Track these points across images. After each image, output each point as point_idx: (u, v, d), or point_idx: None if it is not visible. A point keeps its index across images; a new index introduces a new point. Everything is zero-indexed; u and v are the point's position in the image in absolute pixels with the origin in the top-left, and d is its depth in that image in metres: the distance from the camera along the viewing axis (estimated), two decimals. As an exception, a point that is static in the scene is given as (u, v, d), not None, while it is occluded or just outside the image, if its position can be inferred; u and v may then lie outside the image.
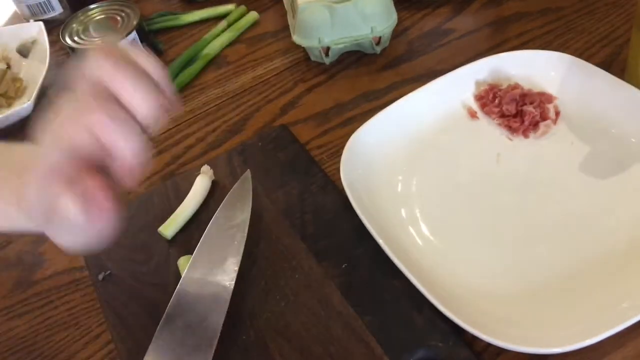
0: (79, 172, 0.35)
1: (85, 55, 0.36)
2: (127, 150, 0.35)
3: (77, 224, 0.36)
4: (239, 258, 0.49)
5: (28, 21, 0.81)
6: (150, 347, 0.44)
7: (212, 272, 0.48)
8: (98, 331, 0.50)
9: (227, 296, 0.47)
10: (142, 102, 0.36)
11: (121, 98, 0.35)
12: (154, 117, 0.37)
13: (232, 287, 0.47)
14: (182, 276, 0.48)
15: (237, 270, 0.48)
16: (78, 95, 0.36)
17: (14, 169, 0.40)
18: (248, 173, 0.55)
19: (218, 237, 0.51)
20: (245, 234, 0.50)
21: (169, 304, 0.47)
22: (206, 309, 0.46)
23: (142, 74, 0.36)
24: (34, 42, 0.75)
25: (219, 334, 0.45)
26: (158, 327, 0.45)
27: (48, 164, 0.36)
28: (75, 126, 0.35)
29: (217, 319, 0.46)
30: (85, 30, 0.72)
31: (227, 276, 0.48)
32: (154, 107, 0.36)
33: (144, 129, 0.36)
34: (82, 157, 0.35)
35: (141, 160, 0.36)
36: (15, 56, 0.75)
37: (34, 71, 0.71)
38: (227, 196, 0.54)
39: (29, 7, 0.82)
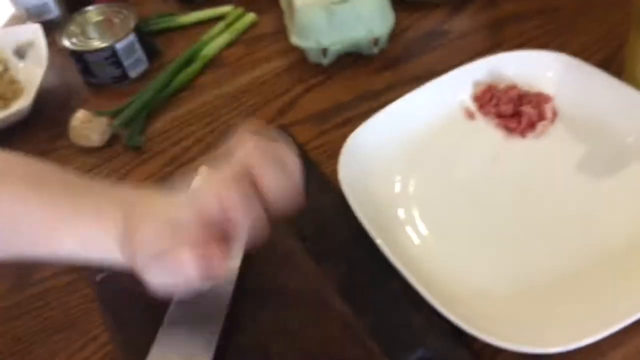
0: (205, 236, 0.39)
1: (239, 135, 0.42)
2: (245, 226, 0.40)
3: (187, 278, 0.39)
4: (239, 262, 0.49)
5: (25, 23, 0.81)
6: (151, 352, 0.45)
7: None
8: (96, 333, 0.50)
9: (227, 300, 0.47)
10: (275, 192, 0.41)
11: (258, 183, 0.40)
12: (280, 205, 0.41)
13: (231, 290, 0.47)
14: None
15: (237, 274, 0.48)
16: (224, 169, 0.40)
17: (125, 205, 0.43)
18: None
19: None
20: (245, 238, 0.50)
21: (169, 308, 0.47)
22: (206, 313, 0.46)
23: (282, 166, 0.41)
24: (31, 43, 0.75)
25: (217, 338, 0.45)
26: (158, 332, 0.45)
27: (179, 217, 0.40)
28: (212, 195, 0.39)
29: (217, 323, 0.46)
30: (83, 32, 0.72)
31: (226, 280, 0.48)
32: (283, 197, 0.41)
33: (267, 212, 0.41)
34: (207, 221, 0.39)
35: (253, 237, 0.41)
36: (12, 58, 0.75)
37: (31, 73, 0.71)
38: None
39: (26, 9, 0.82)
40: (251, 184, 0.40)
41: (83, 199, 0.44)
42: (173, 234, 0.39)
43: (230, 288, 0.47)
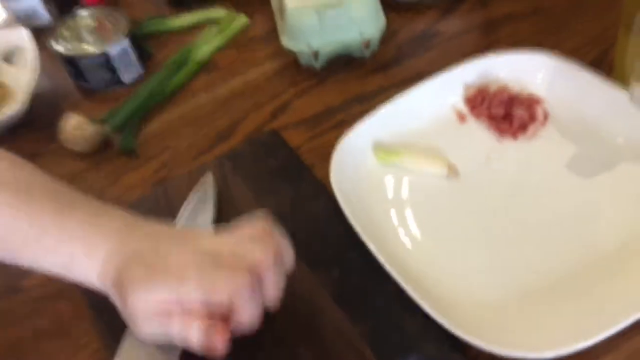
0: (210, 313, 0.41)
1: (258, 231, 0.43)
2: (246, 320, 0.42)
3: (186, 342, 0.41)
4: None
5: (14, 28, 0.81)
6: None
7: None
8: (86, 340, 0.50)
9: None
10: (276, 292, 0.43)
11: (265, 282, 0.42)
12: (275, 303, 0.43)
13: None
14: None
15: None
16: (242, 265, 0.41)
17: (113, 238, 0.43)
18: (209, 175, 0.56)
19: None
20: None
21: None
22: None
23: (283, 267, 0.43)
24: (19, 48, 0.75)
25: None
26: (125, 334, 0.46)
27: (187, 288, 0.40)
28: (225, 281, 0.40)
29: None
30: (75, 36, 0.72)
31: None
32: (280, 296, 0.43)
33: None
34: (213, 305, 0.40)
35: (250, 330, 0.42)
36: (0, 63, 0.75)
37: (21, 78, 0.71)
38: (186, 200, 0.55)
39: (15, 13, 0.81)
40: (258, 282, 0.41)
41: (71, 218, 0.43)
42: (180, 300, 0.40)
43: None
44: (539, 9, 0.71)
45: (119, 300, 0.42)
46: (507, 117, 0.57)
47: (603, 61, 0.64)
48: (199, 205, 0.54)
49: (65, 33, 0.72)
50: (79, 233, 0.43)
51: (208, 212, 0.53)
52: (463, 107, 0.60)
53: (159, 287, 0.40)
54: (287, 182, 0.57)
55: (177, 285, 0.40)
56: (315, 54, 0.67)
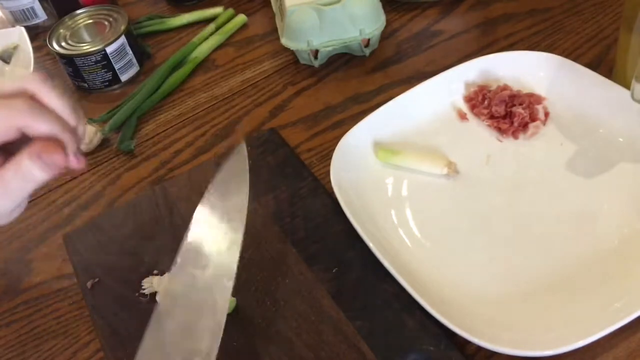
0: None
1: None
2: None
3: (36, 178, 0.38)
4: (237, 255, 0.44)
5: (14, 27, 0.81)
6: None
7: (206, 270, 0.45)
8: (87, 339, 0.50)
9: (227, 297, 0.43)
10: (60, 102, 0.40)
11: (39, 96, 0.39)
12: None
13: (231, 287, 0.43)
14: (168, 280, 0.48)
15: (235, 270, 0.44)
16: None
17: None
18: (243, 145, 0.50)
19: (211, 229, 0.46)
20: (244, 222, 0.46)
21: (156, 306, 0.46)
22: (200, 312, 0.44)
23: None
24: (15, 47, 0.75)
25: (220, 339, 0.41)
26: (145, 332, 0.45)
27: None
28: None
29: (216, 324, 0.42)
30: (73, 35, 0.72)
31: (226, 276, 0.44)
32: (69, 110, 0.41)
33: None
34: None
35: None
36: (-2, 62, 0.75)
37: (17, 77, 0.70)
38: (218, 174, 0.48)
39: (12, 13, 0.81)
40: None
41: None
42: None
43: (229, 287, 0.44)
44: (537, 9, 0.71)
45: None
46: (508, 115, 0.57)
47: (602, 60, 0.64)
48: (233, 180, 0.48)
49: (64, 32, 0.72)
50: None
51: (243, 187, 0.47)
52: (463, 106, 0.60)
53: None
54: (286, 181, 0.57)
55: None
56: (315, 53, 0.67)
